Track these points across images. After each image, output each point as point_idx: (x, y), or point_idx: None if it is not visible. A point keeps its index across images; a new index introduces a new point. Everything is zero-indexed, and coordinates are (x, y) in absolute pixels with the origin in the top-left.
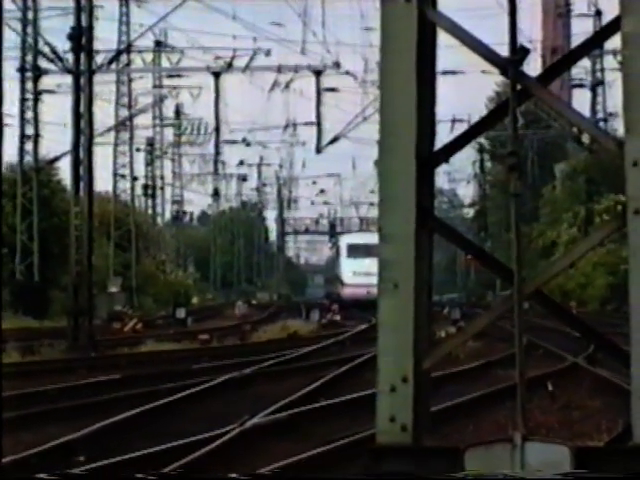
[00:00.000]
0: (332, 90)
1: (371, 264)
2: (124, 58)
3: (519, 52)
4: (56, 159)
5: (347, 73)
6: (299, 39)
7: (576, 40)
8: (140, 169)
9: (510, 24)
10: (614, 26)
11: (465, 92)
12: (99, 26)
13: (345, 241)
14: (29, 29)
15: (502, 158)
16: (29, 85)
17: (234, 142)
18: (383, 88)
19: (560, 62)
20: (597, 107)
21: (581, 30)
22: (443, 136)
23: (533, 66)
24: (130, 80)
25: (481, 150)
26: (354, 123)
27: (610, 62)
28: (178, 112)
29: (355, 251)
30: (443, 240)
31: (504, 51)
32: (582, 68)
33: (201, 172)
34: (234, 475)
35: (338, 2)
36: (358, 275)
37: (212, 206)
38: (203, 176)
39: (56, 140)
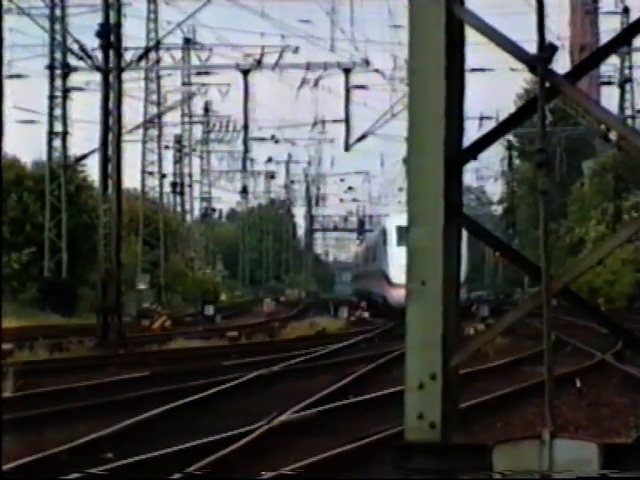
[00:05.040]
0: (361, 87)
1: None
2: (153, 55)
3: (547, 49)
4: (84, 156)
5: (376, 71)
6: (328, 36)
7: (604, 37)
8: (169, 166)
9: (538, 21)
10: None
11: (493, 89)
12: (127, 23)
13: (394, 222)
14: (57, 26)
15: (530, 155)
16: (58, 82)
17: (262, 139)
18: (412, 86)
19: (588, 59)
20: (625, 104)
21: (609, 27)
22: (471, 133)
23: (562, 64)
24: (159, 77)
25: (509, 147)
26: (382, 120)
27: (639, 59)
28: (207, 109)
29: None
30: (472, 238)
31: (532, 48)
32: (610, 65)
33: (230, 169)
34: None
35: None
36: None
37: (241, 203)
38: (232, 173)
39: (85, 137)
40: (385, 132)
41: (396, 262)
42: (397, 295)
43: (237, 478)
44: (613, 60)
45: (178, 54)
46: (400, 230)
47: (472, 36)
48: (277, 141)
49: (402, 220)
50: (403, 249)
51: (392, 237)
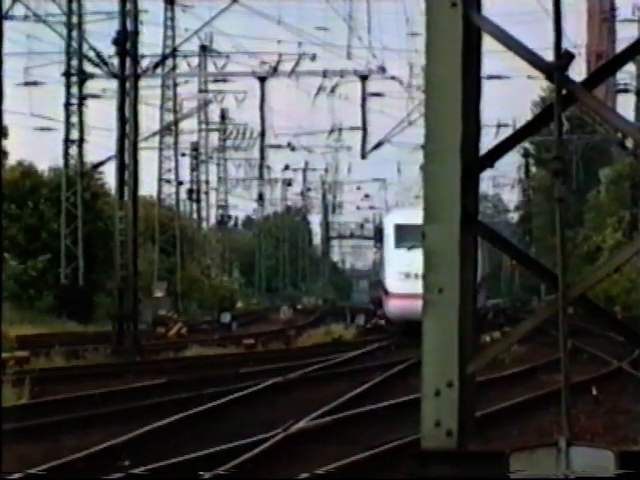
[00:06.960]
0: (377, 95)
1: None
2: (169, 62)
3: (564, 57)
4: (101, 163)
5: (392, 78)
6: (344, 44)
7: (621, 45)
8: (185, 174)
9: (555, 29)
10: None
11: (510, 97)
12: (144, 30)
13: (392, 220)
14: (74, 33)
15: (547, 163)
16: (74, 90)
17: (279, 147)
18: (428, 93)
19: (605, 67)
20: None
21: (626, 35)
22: (488, 141)
23: (578, 71)
24: (175, 85)
25: (526, 155)
26: (399, 128)
27: None
28: (223, 117)
29: (409, 236)
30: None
31: (549, 56)
32: (627, 73)
33: (246, 177)
34: None
35: (383, 7)
36: (411, 279)
37: (257, 211)
38: (248, 181)
39: (101, 145)
40: (402, 140)
41: (393, 268)
42: (393, 306)
43: (267, 478)
44: (630, 68)
45: (195, 61)
46: (399, 229)
47: (489, 43)
48: (294, 148)
49: (402, 217)
50: (402, 252)
51: (390, 238)
